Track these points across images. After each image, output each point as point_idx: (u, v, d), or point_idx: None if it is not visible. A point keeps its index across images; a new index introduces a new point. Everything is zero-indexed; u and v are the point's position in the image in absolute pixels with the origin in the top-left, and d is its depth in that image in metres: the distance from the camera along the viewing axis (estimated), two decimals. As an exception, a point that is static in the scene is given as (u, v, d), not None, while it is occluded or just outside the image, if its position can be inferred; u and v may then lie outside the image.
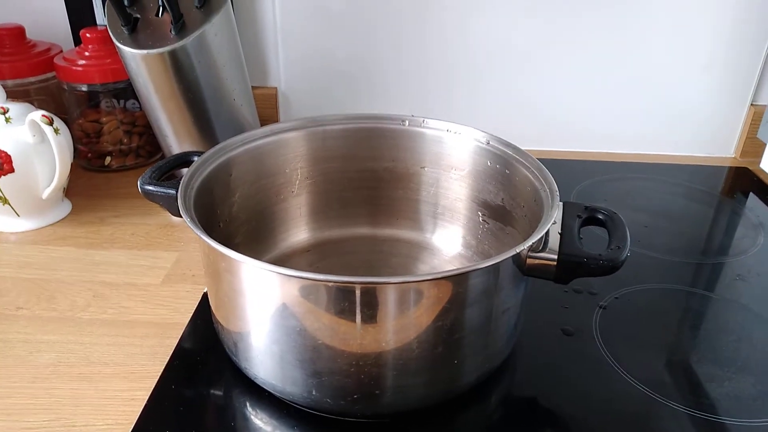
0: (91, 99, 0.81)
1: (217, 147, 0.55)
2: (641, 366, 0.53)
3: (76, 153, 0.81)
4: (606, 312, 0.58)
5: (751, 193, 0.84)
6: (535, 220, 0.51)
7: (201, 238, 0.43)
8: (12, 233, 0.70)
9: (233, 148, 0.56)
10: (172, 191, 0.49)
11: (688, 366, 0.53)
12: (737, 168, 0.90)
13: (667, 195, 0.83)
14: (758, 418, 0.48)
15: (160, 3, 0.66)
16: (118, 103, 0.82)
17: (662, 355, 0.55)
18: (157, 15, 0.66)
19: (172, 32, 0.64)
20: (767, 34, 0.84)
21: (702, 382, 0.51)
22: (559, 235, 0.46)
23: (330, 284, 0.39)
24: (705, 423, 0.48)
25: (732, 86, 0.88)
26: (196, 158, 0.54)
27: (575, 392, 0.50)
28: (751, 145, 0.91)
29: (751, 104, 0.90)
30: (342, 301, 0.40)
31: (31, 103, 0.74)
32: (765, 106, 0.89)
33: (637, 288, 0.62)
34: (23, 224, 0.70)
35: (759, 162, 0.86)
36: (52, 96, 0.85)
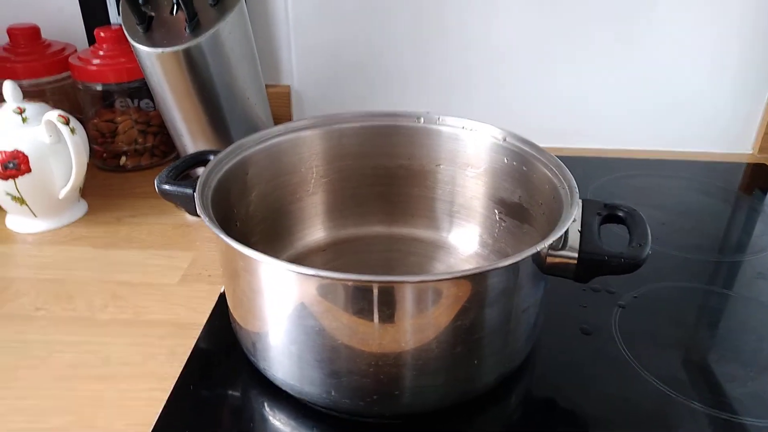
0: (106, 98, 0.81)
1: (233, 146, 0.55)
2: (662, 365, 0.52)
3: (92, 153, 0.81)
4: (625, 311, 0.58)
5: (770, 189, 0.83)
6: (553, 218, 0.50)
7: (219, 237, 0.42)
8: (29, 234, 0.70)
9: (249, 146, 0.56)
10: (189, 191, 0.49)
11: (709, 365, 0.53)
12: (755, 164, 0.89)
13: (685, 192, 0.82)
14: (781, 419, 0.47)
15: (175, 1, 0.66)
16: (133, 102, 0.82)
17: (683, 354, 0.54)
18: (171, 13, 0.66)
19: (187, 30, 0.64)
20: (786, 28, 0.83)
21: (723, 381, 0.51)
22: (579, 233, 0.46)
23: (349, 283, 0.39)
24: (726, 423, 0.47)
25: (749, 82, 0.87)
26: (212, 157, 0.54)
27: (595, 392, 0.50)
28: (769, 140, 0.89)
29: (770, 99, 0.88)
30: (361, 301, 0.40)
31: (47, 102, 0.74)
32: (784, 100, 0.87)
33: (656, 286, 0.61)
34: (40, 225, 0.70)
35: (778, 157, 0.85)
36: (67, 96, 0.85)
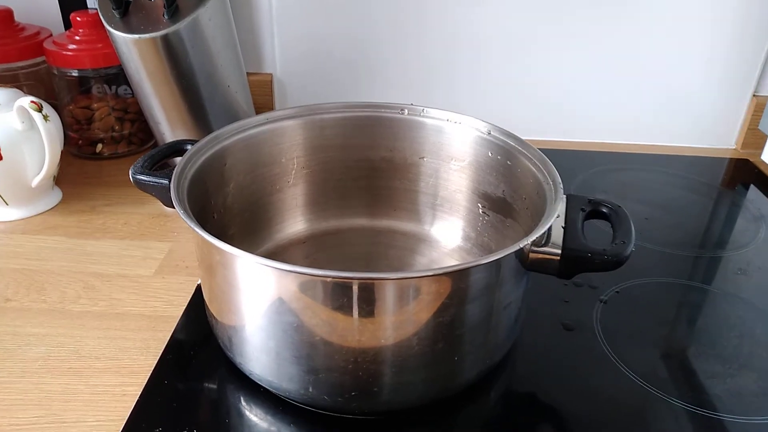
0: (82, 84, 0.79)
1: (211, 135, 0.53)
2: (643, 361, 0.52)
3: (67, 140, 0.79)
4: (607, 306, 0.58)
5: (752, 185, 0.83)
6: (537, 212, 0.50)
7: (194, 230, 0.41)
8: (0, 222, 0.68)
9: (228, 136, 0.55)
10: (165, 181, 0.48)
11: (690, 362, 0.53)
12: (738, 159, 0.89)
13: (668, 186, 0.82)
14: (760, 416, 0.47)
15: (153, -14, 0.64)
16: (110, 89, 0.80)
17: (664, 351, 0.54)
18: (149, -2, 0.65)
19: (165, 16, 0.63)
20: (771, 24, 0.83)
21: (703, 378, 0.51)
22: (562, 229, 0.45)
23: (328, 280, 0.38)
24: (706, 420, 0.47)
25: (734, 77, 0.87)
26: (189, 147, 0.52)
27: (576, 388, 0.50)
28: (752, 136, 0.90)
29: (753, 95, 0.88)
30: (340, 297, 0.39)
31: (20, 88, 0.72)
32: (767, 97, 0.88)
33: (639, 282, 0.61)
34: (12, 213, 0.68)
35: (760, 153, 0.85)
36: (41, 81, 0.83)
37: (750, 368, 0.52)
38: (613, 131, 0.92)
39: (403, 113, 0.60)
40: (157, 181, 0.49)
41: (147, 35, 0.62)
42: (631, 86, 0.89)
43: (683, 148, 0.92)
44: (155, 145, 0.83)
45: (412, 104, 0.60)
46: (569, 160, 0.86)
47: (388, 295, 0.39)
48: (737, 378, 0.51)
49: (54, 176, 0.71)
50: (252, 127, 0.56)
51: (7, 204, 0.68)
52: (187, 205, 0.45)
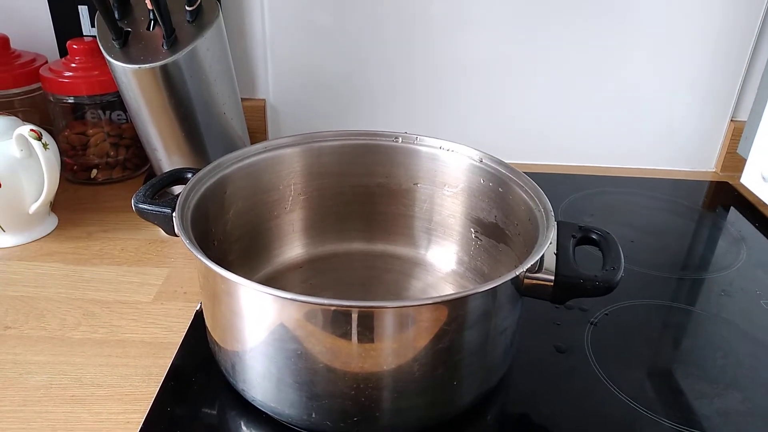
0: (77, 111, 0.80)
1: (212, 165, 0.55)
2: (632, 382, 0.53)
3: (62, 165, 0.80)
4: (597, 328, 0.59)
5: (732, 207, 0.86)
6: (529, 238, 0.51)
7: (200, 260, 0.42)
8: (-3, 249, 0.68)
9: (228, 165, 0.56)
10: (167, 210, 0.49)
11: (678, 382, 0.54)
12: (718, 182, 0.92)
13: (652, 209, 0.84)
14: (747, 434, 0.49)
15: (152, 17, 0.66)
16: (105, 114, 0.81)
17: (653, 372, 0.56)
18: (148, 29, 0.66)
19: (164, 46, 0.64)
20: (747, 51, 0.87)
21: (691, 398, 0.52)
22: (554, 256, 0.47)
23: (332, 308, 0.40)
24: (695, 439, 0.49)
25: (713, 102, 0.91)
26: (189, 175, 0.53)
27: (568, 408, 0.51)
28: (731, 159, 0.93)
29: (731, 120, 0.92)
30: (342, 325, 0.40)
31: (15, 114, 0.73)
32: (744, 121, 0.91)
33: (628, 304, 0.63)
34: (9, 240, 0.69)
35: (739, 176, 0.88)
36: (36, 107, 0.84)
37: (736, 388, 0.54)
38: (598, 156, 0.95)
39: (397, 141, 0.62)
40: (160, 210, 0.50)
41: (147, 65, 0.63)
42: (612, 111, 0.91)
43: (665, 171, 0.94)
44: (150, 170, 0.83)
45: (405, 133, 0.62)
46: (553, 185, 0.88)
47: (389, 323, 0.40)
48: (724, 397, 0.52)
49: (50, 202, 0.71)
50: (252, 155, 0.58)
51: (4, 231, 0.68)
52: (191, 234, 0.46)
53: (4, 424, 0.47)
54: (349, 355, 0.41)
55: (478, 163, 0.59)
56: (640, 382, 0.54)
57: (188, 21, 0.66)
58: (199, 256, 0.42)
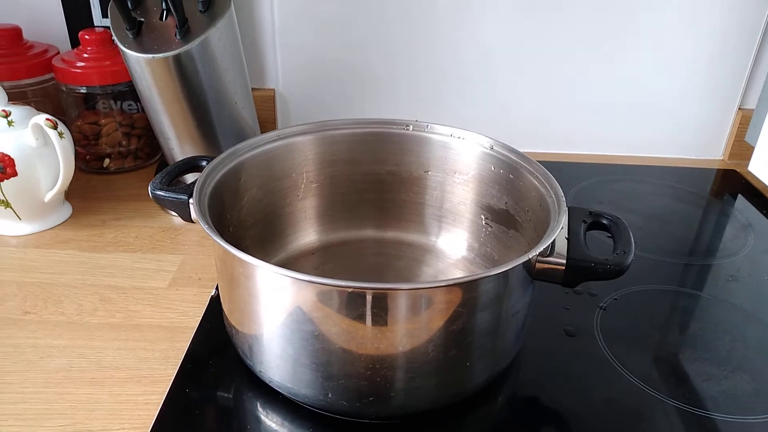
0: (90, 101, 0.81)
1: (228, 152, 0.55)
2: (641, 365, 0.54)
3: (74, 155, 0.81)
4: (606, 313, 0.60)
5: (739, 195, 0.86)
6: (539, 224, 0.52)
7: (219, 243, 0.43)
8: (13, 237, 0.70)
9: (243, 152, 0.57)
10: (184, 197, 0.50)
11: (686, 365, 0.55)
12: (726, 170, 0.93)
13: (660, 196, 0.85)
14: (754, 415, 0.50)
15: (165, 7, 0.66)
16: (116, 104, 0.82)
17: (661, 354, 0.56)
18: (161, 19, 0.67)
19: (177, 36, 0.65)
20: (756, 39, 0.87)
21: (699, 380, 0.53)
22: (566, 240, 0.48)
23: (348, 290, 0.40)
24: (702, 420, 0.49)
25: (720, 90, 0.91)
26: (204, 163, 0.54)
27: (578, 391, 0.52)
28: (738, 147, 0.93)
29: (739, 108, 0.92)
30: (358, 306, 0.41)
31: (28, 104, 0.74)
32: (752, 110, 0.91)
33: (636, 289, 0.64)
34: (25, 228, 0.70)
35: (747, 164, 0.89)
36: (48, 97, 0.85)
37: (743, 370, 0.54)
38: (605, 144, 0.95)
39: (408, 129, 0.63)
40: (177, 196, 0.50)
41: (160, 55, 0.64)
42: (619, 100, 0.92)
43: (673, 159, 0.95)
44: (161, 159, 0.84)
45: (416, 120, 0.62)
46: (562, 173, 0.87)
47: (403, 305, 0.41)
48: (731, 379, 0.53)
49: (65, 191, 0.72)
50: (266, 143, 0.58)
51: (20, 219, 0.69)
52: (209, 219, 0.47)
53: (27, 404, 0.49)
54: (364, 337, 0.42)
55: (489, 151, 0.59)
56: (648, 365, 0.55)
57: (200, 11, 0.66)
58: (218, 240, 0.43)
